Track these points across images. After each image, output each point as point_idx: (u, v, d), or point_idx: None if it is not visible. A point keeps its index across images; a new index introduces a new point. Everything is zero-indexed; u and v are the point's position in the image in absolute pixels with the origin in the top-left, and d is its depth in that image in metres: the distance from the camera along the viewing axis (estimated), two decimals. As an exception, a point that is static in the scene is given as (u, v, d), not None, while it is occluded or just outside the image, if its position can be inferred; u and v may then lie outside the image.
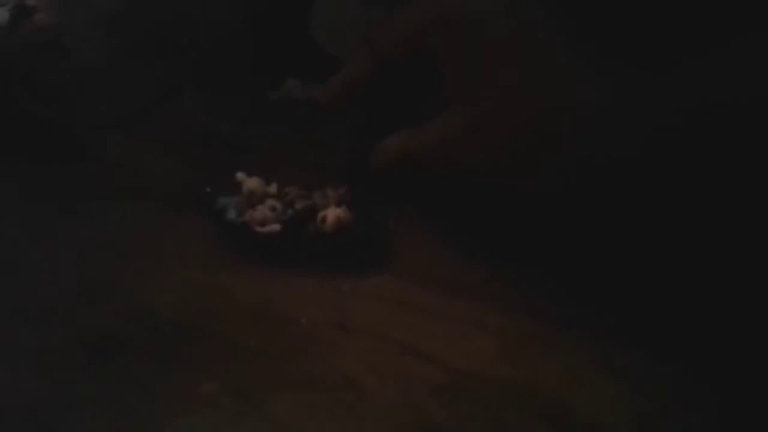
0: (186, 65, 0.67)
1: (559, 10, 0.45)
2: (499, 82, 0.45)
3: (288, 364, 0.43)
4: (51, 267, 0.48)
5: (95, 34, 0.70)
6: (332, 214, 0.50)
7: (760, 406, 0.41)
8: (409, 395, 0.41)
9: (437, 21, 0.48)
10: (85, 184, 0.55)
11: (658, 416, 0.41)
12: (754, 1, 0.41)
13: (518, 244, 0.50)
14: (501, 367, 0.43)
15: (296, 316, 0.46)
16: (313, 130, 0.60)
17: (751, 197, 0.42)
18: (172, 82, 0.65)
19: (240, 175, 0.52)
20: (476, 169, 0.48)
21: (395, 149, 0.52)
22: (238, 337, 0.44)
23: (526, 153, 0.46)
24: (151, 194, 0.54)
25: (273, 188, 0.52)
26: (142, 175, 0.56)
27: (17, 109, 0.61)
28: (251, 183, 0.52)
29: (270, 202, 0.51)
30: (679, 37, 0.42)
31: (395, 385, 0.42)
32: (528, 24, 0.45)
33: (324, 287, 0.48)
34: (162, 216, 0.52)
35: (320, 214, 0.50)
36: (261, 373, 0.42)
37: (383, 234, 0.51)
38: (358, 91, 0.54)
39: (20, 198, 0.54)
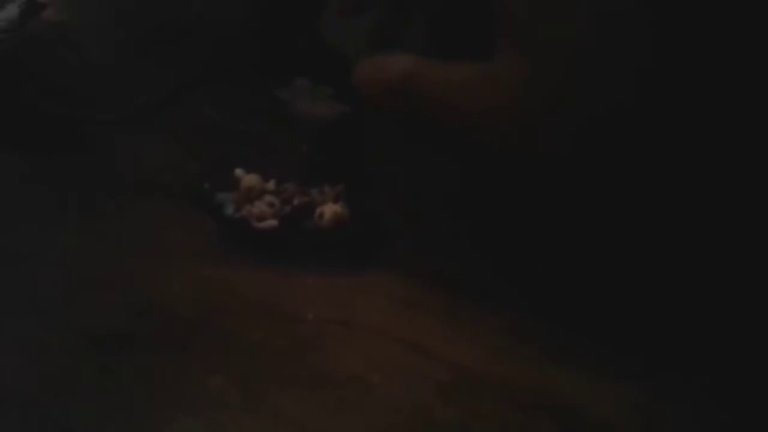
0: (194, 62, 0.67)
1: None
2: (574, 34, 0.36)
3: (294, 360, 0.43)
4: (55, 260, 0.48)
5: (105, 31, 0.70)
6: (330, 210, 0.50)
7: (762, 407, 0.41)
8: (414, 393, 0.41)
9: None
10: (90, 179, 0.55)
11: (662, 416, 0.41)
12: None
13: (523, 243, 0.50)
14: (506, 365, 0.43)
15: (302, 313, 0.46)
16: (314, 129, 0.59)
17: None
18: (180, 79, 0.65)
19: (238, 171, 0.52)
20: (494, 131, 0.40)
21: (401, 67, 0.43)
22: (244, 332, 0.44)
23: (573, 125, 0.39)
24: (156, 189, 0.54)
25: (271, 185, 0.52)
26: (148, 171, 0.56)
27: (25, 104, 0.61)
28: (249, 179, 0.52)
29: (268, 198, 0.51)
30: None
31: (400, 382, 0.42)
32: None
33: (329, 284, 0.48)
34: (167, 211, 0.52)
35: (318, 210, 0.50)
36: (267, 368, 0.42)
37: (383, 231, 0.51)
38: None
39: (26, 191, 0.54)
